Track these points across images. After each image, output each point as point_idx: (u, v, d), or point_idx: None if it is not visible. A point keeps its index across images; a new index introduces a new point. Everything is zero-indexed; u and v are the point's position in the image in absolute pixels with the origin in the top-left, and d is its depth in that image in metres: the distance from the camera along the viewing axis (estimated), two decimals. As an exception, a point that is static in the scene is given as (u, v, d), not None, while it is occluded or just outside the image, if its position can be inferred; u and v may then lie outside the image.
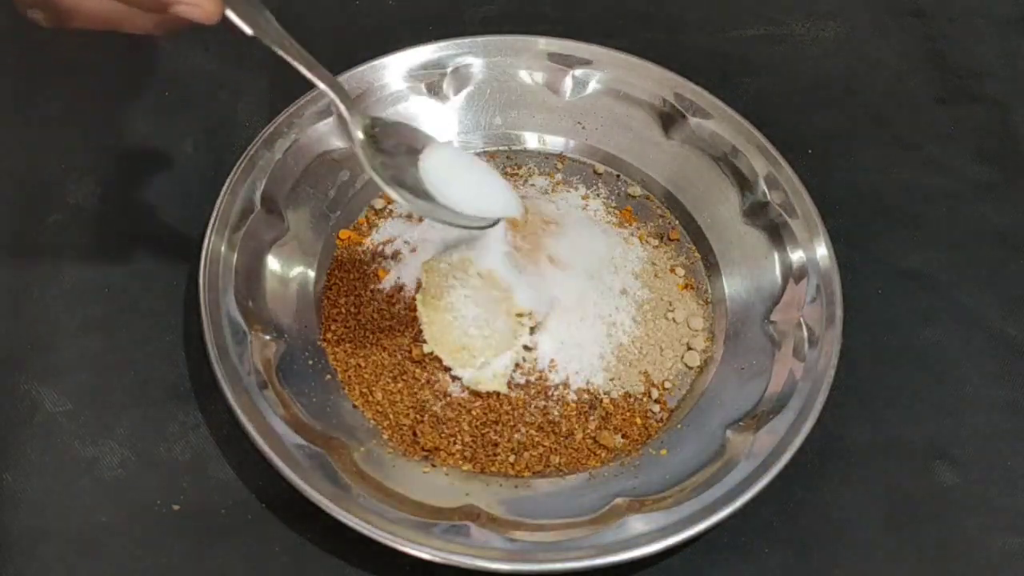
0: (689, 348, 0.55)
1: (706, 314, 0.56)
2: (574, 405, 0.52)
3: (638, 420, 0.52)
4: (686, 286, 0.57)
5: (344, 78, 0.58)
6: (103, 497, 0.48)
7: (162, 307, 0.54)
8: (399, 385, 0.52)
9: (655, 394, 0.53)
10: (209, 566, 0.47)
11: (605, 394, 0.53)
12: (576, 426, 0.52)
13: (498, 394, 0.52)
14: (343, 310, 0.54)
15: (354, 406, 0.51)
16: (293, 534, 0.48)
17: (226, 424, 0.50)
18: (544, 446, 0.51)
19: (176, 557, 0.47)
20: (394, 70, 0.60)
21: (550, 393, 0.52)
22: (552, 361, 0.53)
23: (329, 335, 0.53)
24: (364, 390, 0.52)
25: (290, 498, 0.46)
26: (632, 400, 0.53)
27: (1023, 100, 0.66)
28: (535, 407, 0.52)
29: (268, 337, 0.51)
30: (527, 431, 0.51)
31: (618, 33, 0.64)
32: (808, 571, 0.50)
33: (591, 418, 0.52)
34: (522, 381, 0.52)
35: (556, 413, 0.52)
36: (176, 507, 0.49)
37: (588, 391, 0.52)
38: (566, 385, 0.52)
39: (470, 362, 0.52)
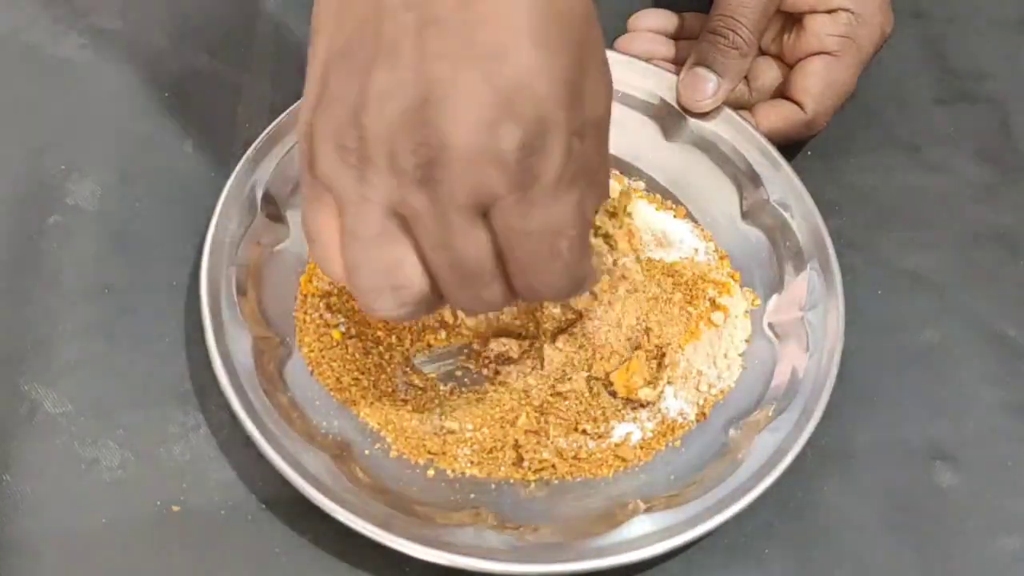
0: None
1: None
2: (616, 446, 0.51)
3: (668, 433, 0.52)
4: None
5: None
6: (103, 497, 0.48)
7: (162, 308, 0.53)
8: (402, 388, 0.51)
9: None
10: (209, 566, 0.47)
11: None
12: (604, 452, 0.51)
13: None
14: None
15: (356, 408, 0.51)
16: (293, 535, 0.48)
17: (226, 425, 0.50)
18: (558, 470, 0.50)
19: (176, 557, 0.47)
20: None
21: (603, 445, 0.51)
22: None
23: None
24: (367, 392, 0.51)
25: (290, 499, 0.46)
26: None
27: (1023, 101, 0.66)
28: (577, 451, 0.50)
29: (270, 339, 0.51)
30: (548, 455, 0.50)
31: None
32: (808, 571, 0.50)
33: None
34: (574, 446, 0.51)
35: (592, 448, 0.51)
36: (176, 508, 0.48)
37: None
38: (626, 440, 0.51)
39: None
